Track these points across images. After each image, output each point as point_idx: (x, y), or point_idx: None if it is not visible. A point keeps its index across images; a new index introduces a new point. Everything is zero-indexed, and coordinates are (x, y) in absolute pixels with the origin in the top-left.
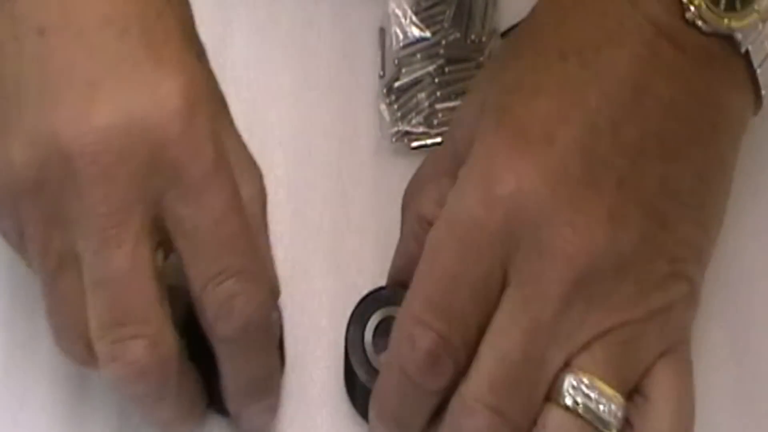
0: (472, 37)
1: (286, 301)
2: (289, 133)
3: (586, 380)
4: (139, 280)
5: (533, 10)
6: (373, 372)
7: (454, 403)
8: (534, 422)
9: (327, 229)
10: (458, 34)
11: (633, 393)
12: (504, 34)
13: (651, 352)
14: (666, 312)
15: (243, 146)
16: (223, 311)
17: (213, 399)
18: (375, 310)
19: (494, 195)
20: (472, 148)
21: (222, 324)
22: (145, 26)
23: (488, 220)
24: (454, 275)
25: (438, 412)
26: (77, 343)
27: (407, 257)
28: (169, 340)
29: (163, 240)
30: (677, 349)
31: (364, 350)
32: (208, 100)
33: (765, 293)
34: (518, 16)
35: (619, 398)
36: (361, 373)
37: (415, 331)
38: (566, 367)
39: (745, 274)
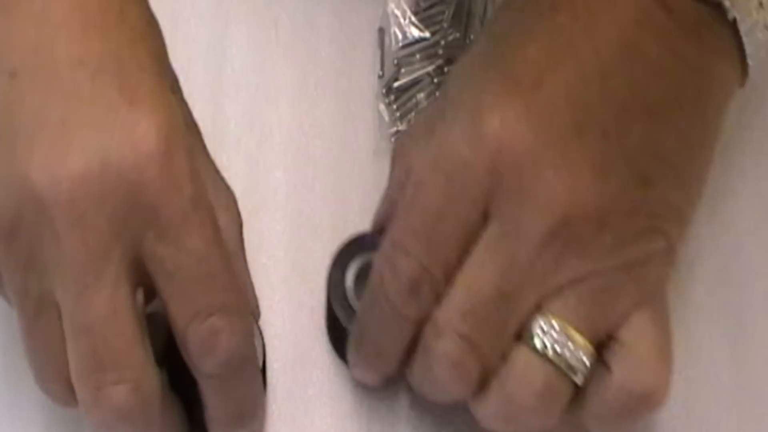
0: (472, 37)
1: (285, 300)
2: (289, 133)
3: (556, 325)
4: (119, 324)
5: None
6: (355, 316)
7: (427, 328)
8: (503, 358)
9: (327, 229)
10: (457, 34)
11: (610, 340)
12: None
13: (626, 302)
14: (642, 265)
15: (216, 172)
16: (206, 348)
17: (195, 423)
18: (357, 254)
19: (480, 133)
20: (460, 90)
21: (206, 361)
22: (119, 65)
23: (473, 158)
24: (438, 208)
25: (413, 350)
26: (58, 385)
27: (392, 206)
28: (152, 381)
29: (142, 280)
30: (654, 300)
31: (345, 294)
32: (185, 135)
33: (764, 293)
34: None
35: (588, 346)
36: (342, 316)
37: (397, 258)
38: (538, 310)
39: (745, 274)
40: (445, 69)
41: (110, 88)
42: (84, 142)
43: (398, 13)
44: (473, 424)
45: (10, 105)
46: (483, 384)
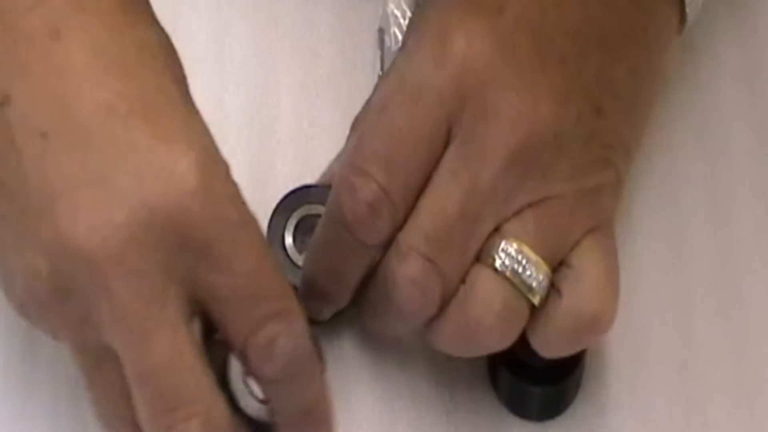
0: None
1: None
2: (289, 132)
3: (515, 245)
4: (184, 362)
5: None
6: (294, 268)
7: (390, 252)
8: (463, 281)
9: None
10: None
11: (561, 265)
12: None
13: (579, 228)
14: (595, 193)
15: None
16: (266, 355)
17: None
18: (300, 205)
19: (445, 53)
20: (424, 17)
21: (267, 367)
22: (149, 103)
23: (438, 78)
24: (400, 129)
25: (368, 280)
26: (126, 428)
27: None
28: (221, 409)
29: (196, 309)
30: (603, 227)
31: (284, 245)
32: (219, 158)
33: (764, 293)
34: None
35: (545, 267)
36: (283, 265)
37: (357, 181)
38: (498, 231)
39: (745, 274)
40: None
41: (145, 131)
42: (126, 193)
43: (398, 13)
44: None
45: (45, 167)
46: (442, 306)
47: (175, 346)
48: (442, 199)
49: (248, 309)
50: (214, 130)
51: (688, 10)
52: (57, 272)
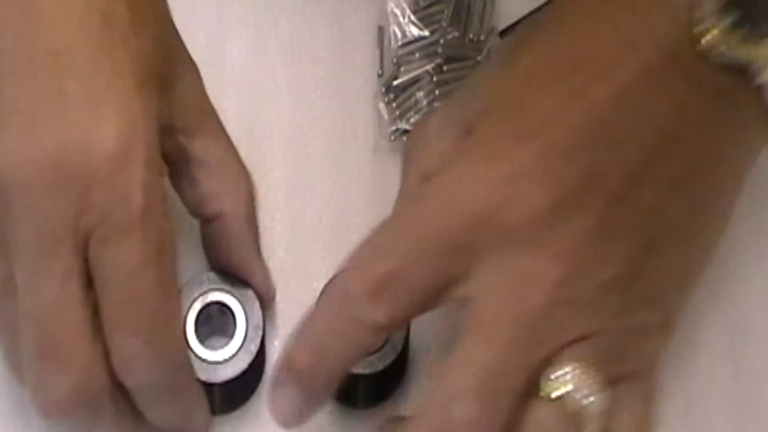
0: (471, 35)
1: (285, 300)
2: (288, 133)
3: (570, 371)
4: (66, 315)
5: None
6: (199, 361)
7: (434, 397)
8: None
9: (326, 229)
10: (456, 33)
11: None
12: (502, 33)
13: (622, 367)
14: (640, 333)
15: (228, 154)
16: (125, 369)
17: None
18: (199, 294)
19: (488, 178)
20: (478, 119)
21: (125, 378)
22: (92, 62)
23: (474, 202)
24: (419, 233)
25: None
26: (19, 369)
27: None
28: (96, 377)
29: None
30: (643, 375)
31: (186, 339)
32: (149, 144)
33: (764, 293)
34: (517, 15)
35: (604, 389)
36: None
37: (370, 259)
38: (548, 362)
39: (745, 274)
40: (444, 68)
41: (79, 85)
42: (46, 133)
43: (398, 11)
44: None
45: None
46: None
47: (60, 296)
48: (490, 335)
49: (119, 305)
50: None
51: None
52: None
